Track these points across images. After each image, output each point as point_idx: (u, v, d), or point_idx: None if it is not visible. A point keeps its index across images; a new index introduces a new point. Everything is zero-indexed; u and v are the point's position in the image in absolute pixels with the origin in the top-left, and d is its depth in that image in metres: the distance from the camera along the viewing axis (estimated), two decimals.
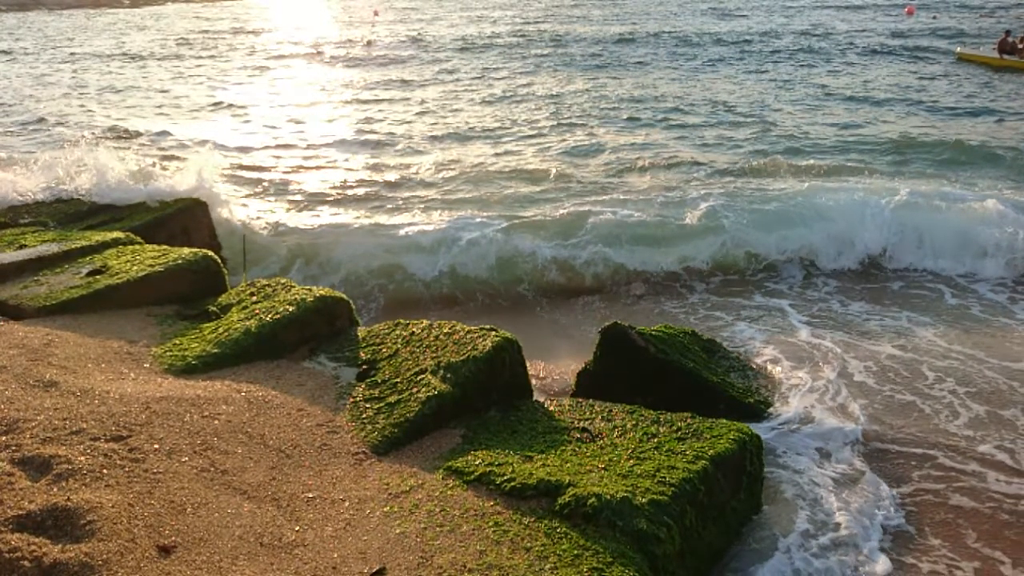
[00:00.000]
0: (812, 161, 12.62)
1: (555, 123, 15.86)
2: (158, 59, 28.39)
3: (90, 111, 18.24)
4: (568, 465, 3.86)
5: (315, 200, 11.16)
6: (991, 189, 10.75)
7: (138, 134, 15.54)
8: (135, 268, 5.90)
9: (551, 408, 4.60)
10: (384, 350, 5.00)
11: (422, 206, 10.70)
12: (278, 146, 14.63)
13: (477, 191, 11.40)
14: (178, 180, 8.86)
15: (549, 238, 9.12)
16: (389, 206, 10.85)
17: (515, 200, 10.88)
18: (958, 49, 24.46)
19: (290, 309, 5.25)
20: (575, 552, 3.25)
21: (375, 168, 12.92)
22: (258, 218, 9.58)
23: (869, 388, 6.20)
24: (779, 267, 8.87)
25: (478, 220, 9.63)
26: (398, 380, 4.61)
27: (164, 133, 15.60)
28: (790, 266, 8.88)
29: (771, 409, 5.64)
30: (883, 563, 4.24)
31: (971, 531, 4.54)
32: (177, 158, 13.52)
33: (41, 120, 16.87)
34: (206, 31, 38.66)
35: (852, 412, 5.77)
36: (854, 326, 7.44)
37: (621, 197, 10.82)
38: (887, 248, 8.97)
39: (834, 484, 4.86)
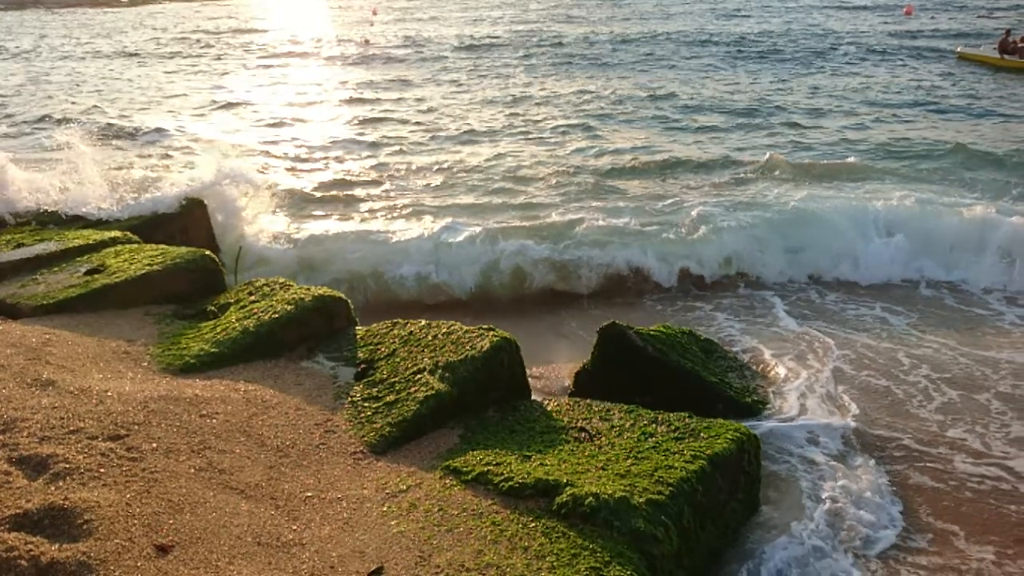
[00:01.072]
0: (810, 160, 12.60)
1: (553, 124, 15.85)
2: (157, 58, 28.36)
3: (91, 110, 18.22)
4: (566, 465, 3.86)
5: (310, 202, 11.06)
6: (989, 193, 10.68)
7: (138, 132, 15.53)
8: (133, 267, 5.90)
9: (549, 408, 4.60)
10: (382, 350, 5.00)
11: (418, 208, 10.65)
12: (274, 145, 14.60)
13: (474, 193, 11.36)
14: (193, 176, 8.78)
15: (547, 241, 9.05)
16: (386, 208, 10.80)
17: (513, 202, 10.85)
18: (959, 48, 24.34)
19: (288, 308, 5.25)
20: (573, 552, 3.25)
21: (371, 169, 12.89)
22: (252, 221, 9.42)
23: (863, 383, 6.26)
24: (774, 271, 8.83)
25: (475, 223, 9.58)
26: (396, 380, 4.61)
27: (164, 132, 15.59)
28: (785, 270, 8.84)
29: (769, 408, 5.65)
30: (884, 545, 4.33)
31: (970, 519, 4.56)
32: (170, 157, 13.54)
33: (43, 119, 16.84)
34: (205, 30, 38.62)
35: (848, 408, 5.82)
36: (846, 324, 7.51)
37: (619, 199, 10.80)
38: (880, 256, 8.89)
39: (832, 478, 4.91)
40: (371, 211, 10.65)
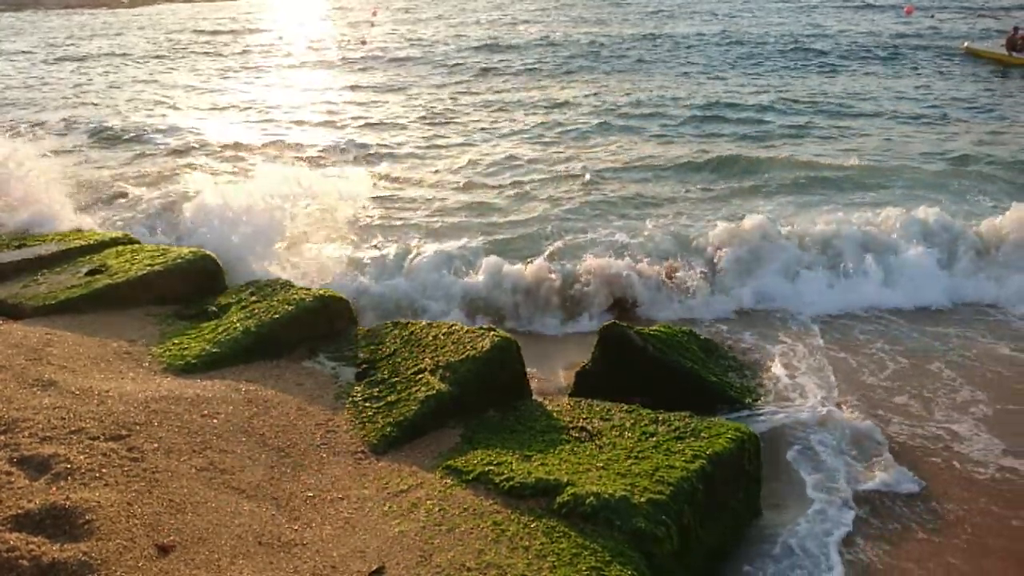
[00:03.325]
0: (809, 158, 12.49)
1: (554, 127, 15.69)
2: (157, 59, 28.37)
3: (91, 111, 18.23)
4: (567, 464, 3.87)
5: (305, 213, 10.16)
6: (996, 197, 10.42)
7: (142, 134, 15.55)
8: (134, 268, 5.91)
9: (550, 408, 4.60)
10: (383, 350, 5.01)
11: (414, 221, 10.27)
12: (272, 148, 14.48)
13: (474, 203, 11.00)
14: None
15: (542, 252, 8.79)
16: (381, 217, 10.46)
17: (511, 217, 10.51)
18: (965, 43, 23.90)
19: (289, 309, 5.26)
20: (573, 551, 3.25)
21: (368, 176, 12.53)
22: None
23: (864, 377, 6.32)
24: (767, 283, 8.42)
25: (474, 240, 9.29)
26: (397, 380, 4.62)
27: (166, 133, 15.60)
28: (775, 288, 8.37)
29: (769, 406, 5.64)
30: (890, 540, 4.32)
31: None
32: (173, 159, 13.53)
33: (44, 123, 16.82)
34: (205, 31, 38.64)
35: (851, 403, 5.83)
36: (845, 319, 7.55)
37: (620, 209, 10.49)
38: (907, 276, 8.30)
39: (834, 471, 4.93)
40: (367, 223, 10.11)
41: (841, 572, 4.12)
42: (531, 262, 8.42)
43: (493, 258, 8.45)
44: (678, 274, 8.25)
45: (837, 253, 8.67)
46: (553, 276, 8.18)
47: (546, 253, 8.76)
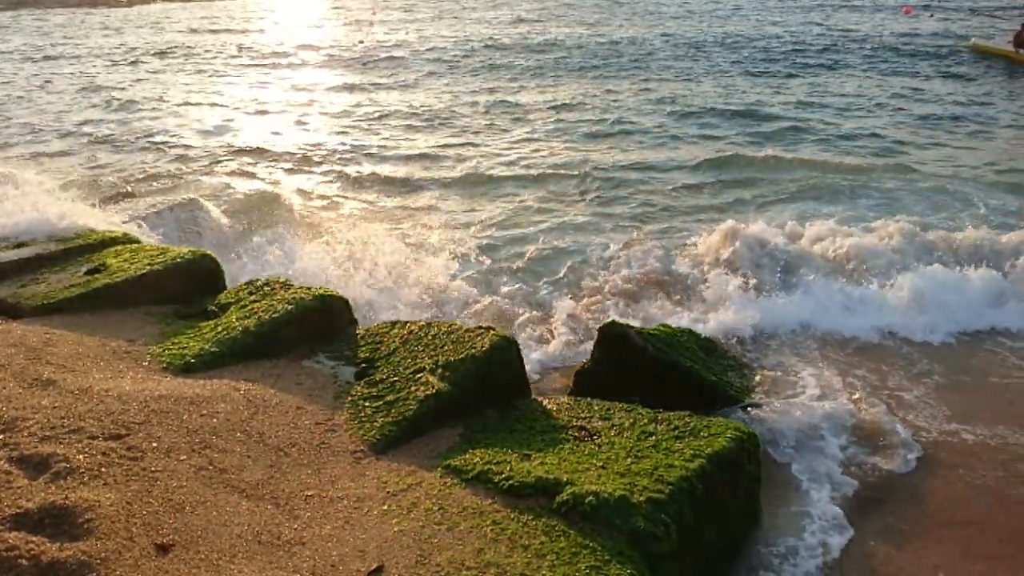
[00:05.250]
0: (811, 160, 12.46)
1: (552, 130, 15.61)
2: (155, 58, 28.36)
3: (92, 111, 18.23)
4: (566, 463, 3.87)
5: (303, 226, 10.02)
6: (992, 203, 10.28)
7: (143, 133, 15.55)
8: (134, 267, 5.91)
9: (549, 407, 4.60)
10: (382, 349, 5.01)
11: (407, 225, 10.19)
12: (268, 149, 14.43)
13: (466, 207, 10.97)
14: None
15: (534, 261, 8.80)
16: (378, 218, 10.49)
17: (506, 212, 10.49)
18: (972, 40, 23.74)
19: (289, 308, 5.26)
20: (573, 550, 3.25)
21: (364, 181, 12.48)
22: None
23: (864, 374, 6.33)
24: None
25: (463, 241, 9.28)
26: (396, 379, 4.62)
27: (162, 132, 15.61)
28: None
29: (768, 405, 5.64)
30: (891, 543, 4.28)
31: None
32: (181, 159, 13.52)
33: (45, 122, 16.82)
34: (204, 30, 38.64)
35: (854, 399, 5.85)
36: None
37: (618, 221, 10.39)
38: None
39: (836, 469, 4.95)
40: (363, 234, 10.02)
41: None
42: (522, 309, 7.93)
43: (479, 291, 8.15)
44: (674, 300, 7.99)
45: (842, 264, 8.44)
46: (534, 314, 7.74)
47: (536, 259, 8.66)
